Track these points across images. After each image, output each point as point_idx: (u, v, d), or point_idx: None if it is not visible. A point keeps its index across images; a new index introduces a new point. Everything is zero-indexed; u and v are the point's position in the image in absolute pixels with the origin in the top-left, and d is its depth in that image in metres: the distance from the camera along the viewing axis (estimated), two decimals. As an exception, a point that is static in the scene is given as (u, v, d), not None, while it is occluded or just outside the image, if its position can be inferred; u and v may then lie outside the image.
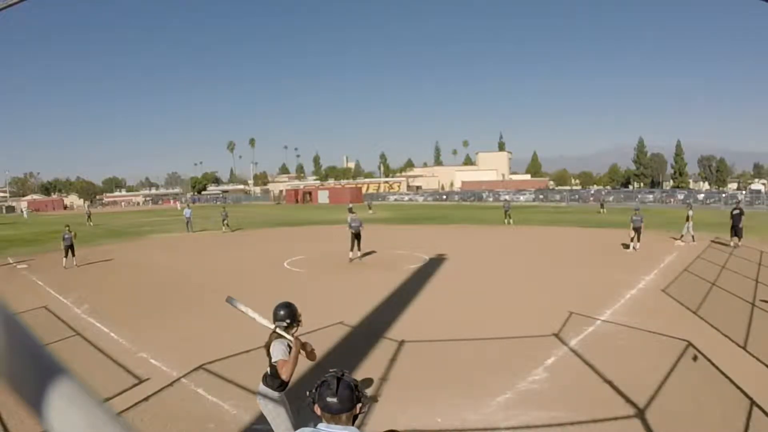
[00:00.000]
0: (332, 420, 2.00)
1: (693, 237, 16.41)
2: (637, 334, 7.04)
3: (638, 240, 15.11)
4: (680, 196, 48.36)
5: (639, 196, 50.48)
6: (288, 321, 3.63)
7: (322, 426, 2.00)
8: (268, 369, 3.63)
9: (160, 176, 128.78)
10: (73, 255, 14.32)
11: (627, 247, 15.45)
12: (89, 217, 33.63)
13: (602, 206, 36.43)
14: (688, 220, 16.34)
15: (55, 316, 8.66)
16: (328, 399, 2.00)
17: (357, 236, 14.18)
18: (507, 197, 46.66)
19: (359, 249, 14.26)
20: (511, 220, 25.08)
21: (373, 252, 15.49)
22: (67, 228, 14.35)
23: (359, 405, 2.07)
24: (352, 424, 2.05)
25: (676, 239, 17.07)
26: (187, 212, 26.24)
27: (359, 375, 5.76)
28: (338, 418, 2.00)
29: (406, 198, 67.07)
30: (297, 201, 67.29)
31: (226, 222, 24.85)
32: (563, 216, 31.81)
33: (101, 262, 15.48)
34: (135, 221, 36.41)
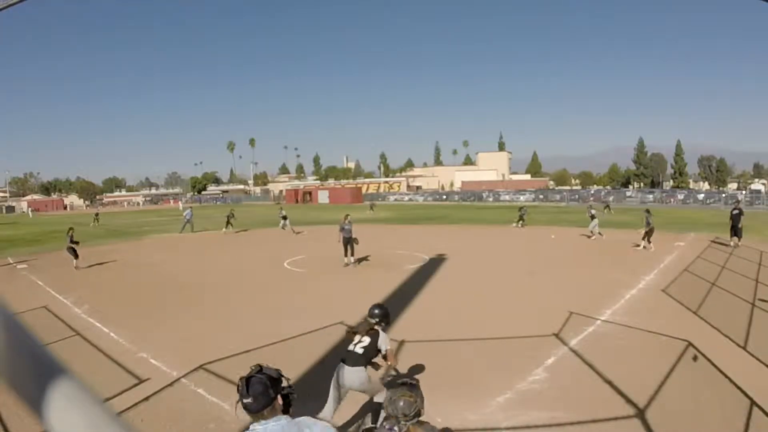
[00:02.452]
0: (258, 418, 2.00)
1: (600, 233, 18.43)
2: (637, 334, 7.04)
3: (648, 240, 15.25)
4: (680, 196, 48.38)
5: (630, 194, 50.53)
6: (377, 319, 4.32)
7: (253, 425, 2.00)
8: (360, 350, 4.14)
9: (160, 176, 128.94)
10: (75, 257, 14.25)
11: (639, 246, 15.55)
12: (96, 217, 33.61)
13: (607, 207, 36.25)
14: (593, 218, 18.55)
15: (55, 316, 8.66)
16: (244, 401, 2.00)
17: (349, 241, 13.57)
18: (521, 197, 46.82)
19: (353, 254, 13.68)
20: (523, 224, 23.75)
21: (373, 252, 15.48)
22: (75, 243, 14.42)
23: (282, 395, 2.05)
24: (284, 413, 2.04)
25: (589, 236, 18.67)
26: (187, 213, 26.16)
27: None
28: (261, 415, 1.99)
29: (406, 198, 67.04)
30: (297, 201, 67.32)
31: (230, 222, 24.39)
32: (565, 216, 31.79)
33: (101, 262, 15.47)
34: (135, 221, 36.42)
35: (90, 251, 17.72)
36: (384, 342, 4.20)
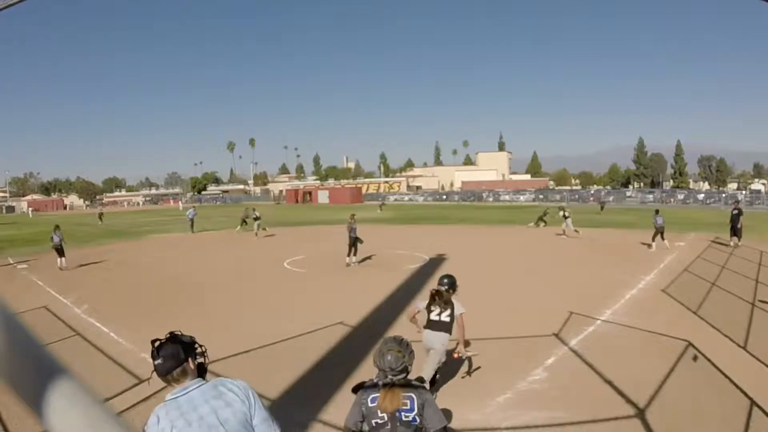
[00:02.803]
0: (169, 381, 1.99)
1: (576, 230, 19.17)
2: (637, 334, 7.03)
3: (662, 238, 15.39)
4: (680, 196, 48.38)
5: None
6: (446, 287, 4.96)
7: (174, 393, 1.98)
8: (447, 318, 4.81)
9: (160, 176, 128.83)
10: (62, 256, 14.27)
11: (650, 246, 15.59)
12: (101, 216, 35.26)
13: (602, 207, 36.39)
14: (565, 218, 19.48)
15: (55, 316, 8.66)
16: (154, 363, 1.98)
17: (354, 241, 13.71)
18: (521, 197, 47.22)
19: (355, 254, 13.79)
20: (543, 224, 23.82)
21: (374, 252, 15.47)
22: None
23: (196, 361, 2.04)
24: (199, 377, 2.03)
25: (560, 234, 19.51)
26: (190, 212, 26.25)
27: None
28: (171, 377, 1.98)
29: (406, 198, 67.04)
30: (297, 201, 67.35)
31: (257, 222, 22.34)
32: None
33: (101, 261, 15.47)
34: (135, 221, 36.41)
35: (90, 251, 17.75)
36: (459, 308, 4.87)
